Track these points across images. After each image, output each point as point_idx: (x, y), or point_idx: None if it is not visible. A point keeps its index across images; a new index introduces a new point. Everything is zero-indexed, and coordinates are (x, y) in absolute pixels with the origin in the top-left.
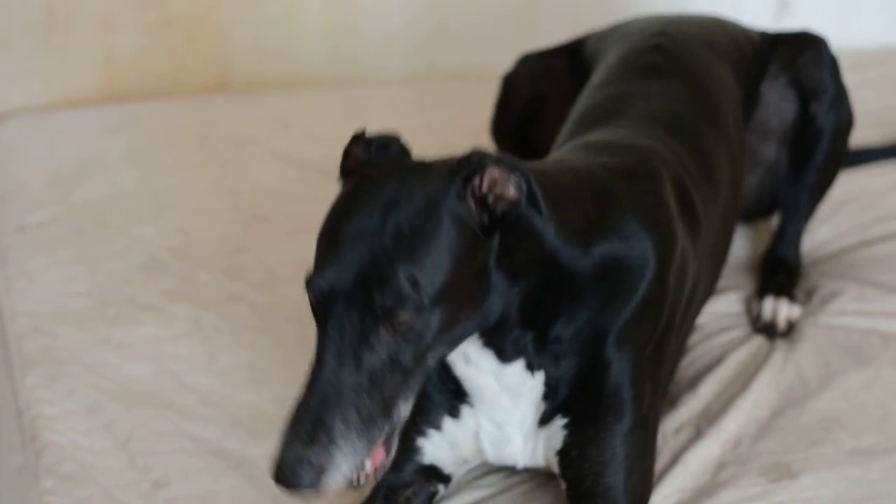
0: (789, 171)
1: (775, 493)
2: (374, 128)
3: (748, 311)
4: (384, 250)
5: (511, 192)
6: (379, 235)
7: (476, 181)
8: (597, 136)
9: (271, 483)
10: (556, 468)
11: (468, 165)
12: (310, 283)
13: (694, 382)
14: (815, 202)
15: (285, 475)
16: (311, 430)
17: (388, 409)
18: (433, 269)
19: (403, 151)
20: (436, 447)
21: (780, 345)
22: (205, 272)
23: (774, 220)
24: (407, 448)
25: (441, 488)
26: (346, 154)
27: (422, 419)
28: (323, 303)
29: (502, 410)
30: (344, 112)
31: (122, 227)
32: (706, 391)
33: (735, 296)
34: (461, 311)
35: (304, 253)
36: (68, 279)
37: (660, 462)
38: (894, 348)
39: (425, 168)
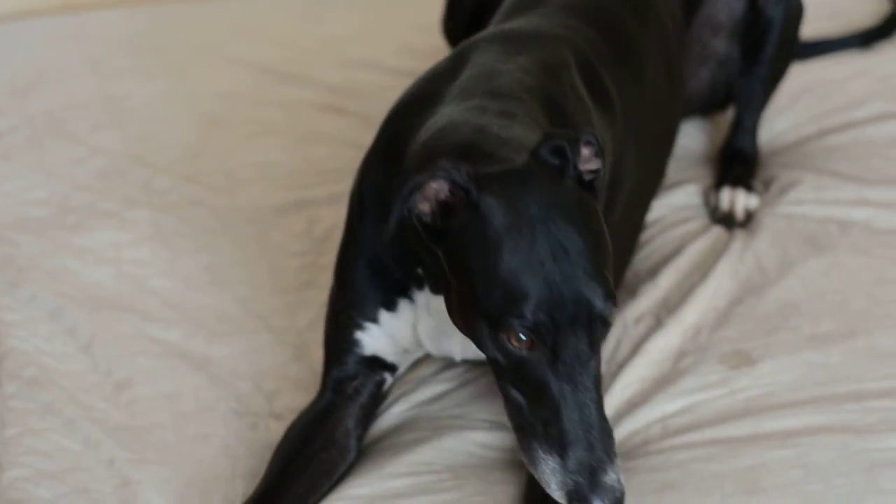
0: (741, 63)
1: (735, 380)
2: (330, 28)
3: (706, 202)
4: (590, 261)
5: (596, 162)
6: (578, 252)
7: (574, 167)
8: (511, 25)
9: (234, 381)
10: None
11: (566, 156)
12: (525, 322)
13: (653, 273)
14: (769, 93)
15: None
16: (608, 449)
17: None
18: (610, 256)
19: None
20: (374, 339)
21: (739, 235)
22: (164, 177)
23: (731, 113)
24: (346, 341)
25: (388, 376)
26: (420, 189)
27: (357, 313)
28: (551, 332)
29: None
30: (300, 15)
31: (81, 135)
32: (665, 281)
33: (693, 188)
34: None
35: (263, 156)
36: (27, 187)
37: (620, 352)
38: (852, 236)
39: (541, 173)
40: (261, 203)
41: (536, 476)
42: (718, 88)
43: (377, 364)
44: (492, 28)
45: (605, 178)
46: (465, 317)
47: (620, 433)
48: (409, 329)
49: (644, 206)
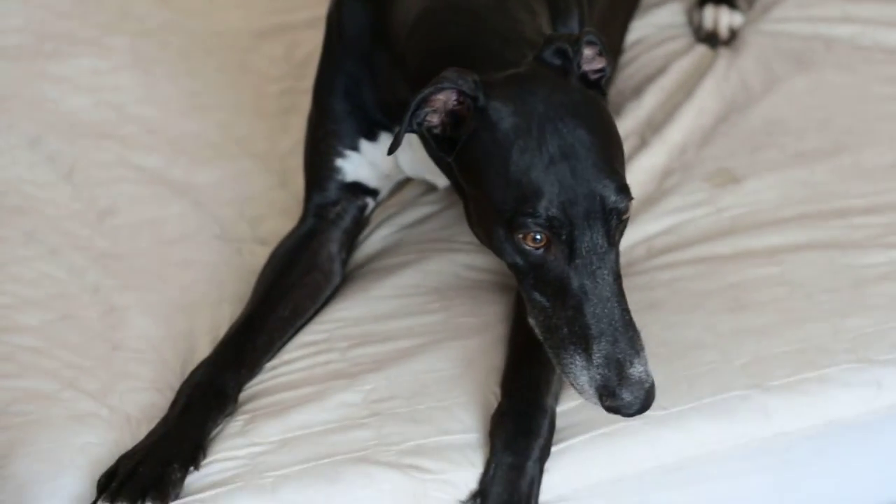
0: None
1: (720, 197)
2: None
3: (690, 21)
4: (601, 156)
5: (600, 62)
6: (588, 149)
7: (577, 66)
8: None
9: (217, 207)
10: None
11: (569, 57)
12: (542, 219)
13: (637, 92)
14: None
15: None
16: (633, 342)
17: None
18: (622, 152)
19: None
20: (355, 166)
21: (723, 53)
22: (141, 2)
23: None
24: (326, 168)
25: (370, 201)
26: (428, 101)
27: (337, 141)
28: (565, 227)
29: None
30: None
31: None
32: (650, 100)
33: (677, 6)
34: None
35: None
36: (3, 15)
37: None
38: (837, 52)
39: (545, 75)
40: (240, 27)
41: (566, 377)
42: None
43: (359, 189)
44: None
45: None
46: (482, 223)
47: None
48: (389, 158)
49: (619, 29)
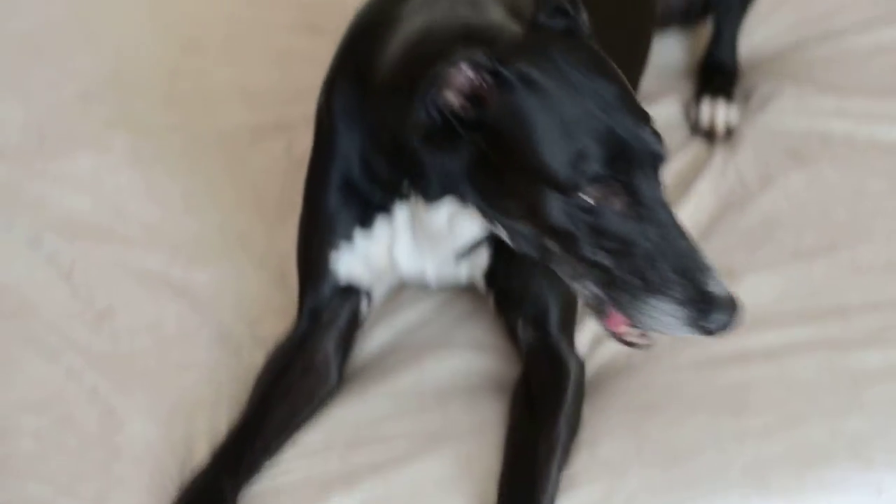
0: None
1: None
2: None
3: (687, 115)
4: (634, 108)
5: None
6: (620, 99)
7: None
8: None
9: (216, 308)
10: (481, 286)
11: (570, 14)
12: (606, 165)
13: None
14: (747, 4)
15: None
16: (705, 267)
17: None
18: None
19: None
20: (348, 263)
21: (720, 148)
22: (141, 100)
23: (710, 24)
24: (319, 268)
25: (363, 302)
26: (444, 82)
27: (330, 239)
28: (626, 177)
29: (439, 241)
30: None
31: (55, 59)
32: None
33: (673, 101)
34: None
35: (241, 77)
36: (4, 113)
37: None
38: (833, 147)
39: (554, 36)
40: (239, 125)
41: (649, 327)
42: (695, 0)
43: (352, 290)
44: None
45: None
46: (527, 198)
47: (604, 354)
48: (384, 250)
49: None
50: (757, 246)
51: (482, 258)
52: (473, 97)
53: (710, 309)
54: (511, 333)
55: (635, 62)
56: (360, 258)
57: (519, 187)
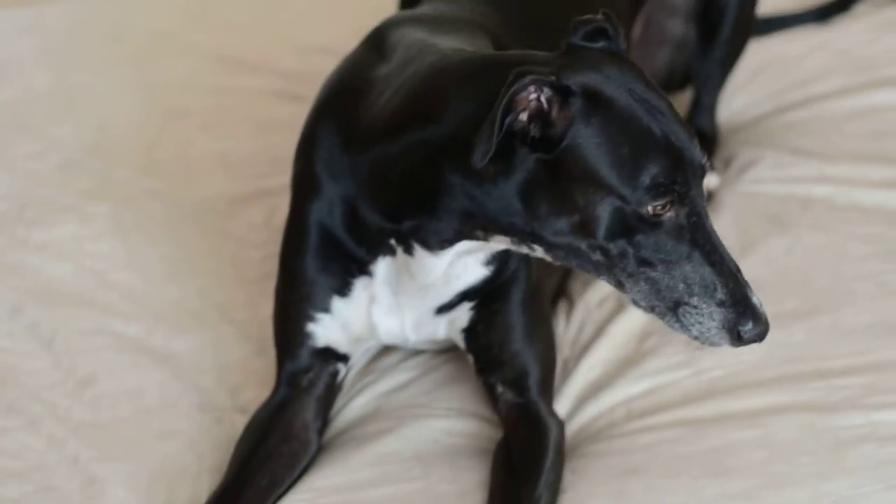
0: (698, 45)
1: (699, 360)
2: (285, 14)
3: None
4: (684, 124)
5: None
6: (673, 114)
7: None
8: (421, 11)
9: (197, 375)
10: (461, 344)
11: (610, 35)
12: (677, 177)
13: None
14: (727, 73)
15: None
16: (744, 279)
17: None
18: None
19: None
20: (327, 329)
21: None
22: (122, 169)
23: (690, 93)
24: (297, 335)
25: (341, 367)
26: (515, 103)
27: (308, 304)
28: (686, 189)
29: (425, 294)
30: (259, 1)
31: (38, 128)
32: None
33: None
34: None
35: (220, 145)
36: None
37: (583, 334)
38: (812, 213)
39: (599, 55)
40: (220, 193)
41: (695, 336)
42: (677, 69)
43: (330, 355)
44: (399, 14)
45: None
46: (585, 211)
47: (584, 416)
48: (362, 313)
49: None
50: None
51: (462, 315)
52: (538, 116)
53: (748, 317)
54: (491, 395)
55: None
56: (338, 325)
57: (578, 202)
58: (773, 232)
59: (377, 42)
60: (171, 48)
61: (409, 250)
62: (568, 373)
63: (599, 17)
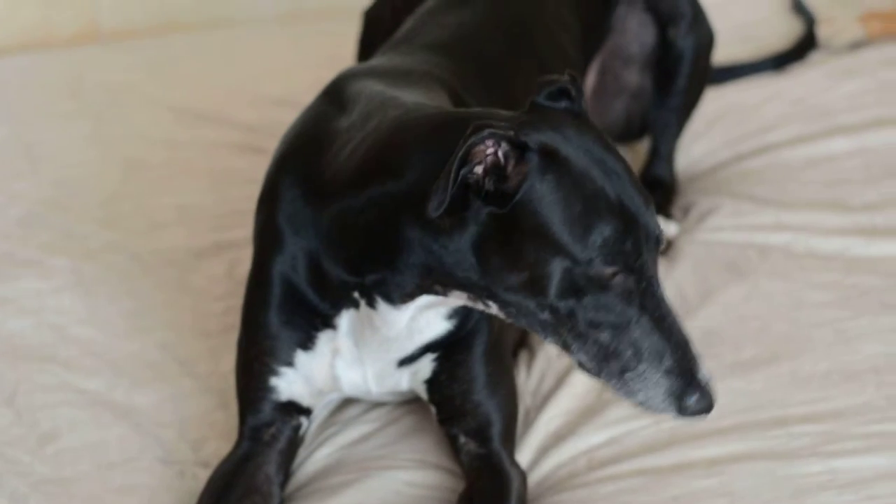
0: (654, 95)
1: None
2: (243, 67)
3: None
4: (642, 189)
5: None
6: (631, 179)
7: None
8: (375, 63)
9: (158, 430)
10: (423, 395)
11: (572, 97)
12: (627, 242)
13: None
14: (683, 122)
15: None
16: (695, 351)
17: None
18: None
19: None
20: (290, 383)
21: (660, 263)
22: (83, 223)
23: (647, 142)
24: (260, 389)
25: (304, 420)
26: (471, 155)
27: (271, 359)
28: (636, 256)
29: (388, 347)
30: (216, 54)
31: None
32: None
33: None
34: None
35: (181, 198)
36: None
37: (544, 385)
38: (770, 260)
39: (561, 115)
40: (181, 246)
41: (640, 403)
42: (634, 119)
43: (293, 408)
44: (356, 66)
45: None
46: (535, 269)
47: (546, 466)
48: (325, 366)
49: None
50: None
51: (425, 367)
52: (494, 170)
53: (694, 389)
54: (453, 446)
55: None
56: (301, 379)
57: (528, 258)
58: (731, 280)
59: (336, 94)
60: (128, 101)
61: (371, 303)
62: (529, 423)
63: (565, 77)
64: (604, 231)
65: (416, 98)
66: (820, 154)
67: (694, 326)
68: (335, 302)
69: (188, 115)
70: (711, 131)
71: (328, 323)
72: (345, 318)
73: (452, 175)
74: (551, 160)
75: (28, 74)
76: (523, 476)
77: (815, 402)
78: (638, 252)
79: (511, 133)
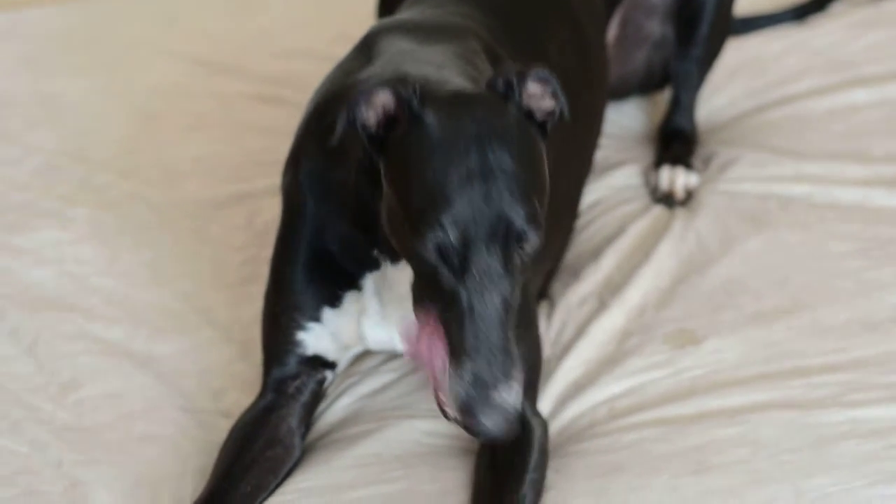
0: (676, 45)
1: (680, 359)
2: (263, 18)
3: (646, 182)
4: (518, 184)
5: (550, 103)
6: (508, 174)
7: (519, 96)
8: (408, 16)
9: (180, 379)
10: None
11: (512, 87)
12: (442, 230)
13: (596, 254)
14: (705, 72)
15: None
16: (506, 370)
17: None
18: (545, 189)
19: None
20: (317, 338)
21: (680, 213)
22: (101, 174)
23: (669, 92)
24: (286, 343)
25: (328, 374)
26: (367, 98)
27: (299, 314)
28: (462, 246)
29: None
30: (233, 6)
31: (16, 134)
32: (608, 262)
33: (633, 168)
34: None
35: (200, 149)
36: None
37: (565, 335)
38: (791, 211)
39: (487, 99)
40: (200, 197)
41: (445, 396)
42: (655, 69)
43: (318, 362)
44: (390, 19)
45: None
46: (390, 222)
47: (567, 416)
48: (352, 324)
49: (572, 197)
50: (718, 309)
51: None
52: (389, 119)
53: (481, 407)
54: None
55: (588, 134)
56: (327, 334)
57: (388, 207)
58: (752, 230)
59: (367, 49)
60: (148, 53)
61: (394, 260)
62: (550, 373)
63: (517, 68)
64: (438, 211)
65: (443, 57)
66: (841, 105)
67: (715, 276)
68: (359, 263)
69: (205, 66)
70: (732, 82)
71: (354, 284)
72: (369, 280)
73: (346, 111)
74: (426, 130)
75: (47, 27)
76: (545, 425)
77: (836, 352)
78: (468, 244)
79: (408, 92)
